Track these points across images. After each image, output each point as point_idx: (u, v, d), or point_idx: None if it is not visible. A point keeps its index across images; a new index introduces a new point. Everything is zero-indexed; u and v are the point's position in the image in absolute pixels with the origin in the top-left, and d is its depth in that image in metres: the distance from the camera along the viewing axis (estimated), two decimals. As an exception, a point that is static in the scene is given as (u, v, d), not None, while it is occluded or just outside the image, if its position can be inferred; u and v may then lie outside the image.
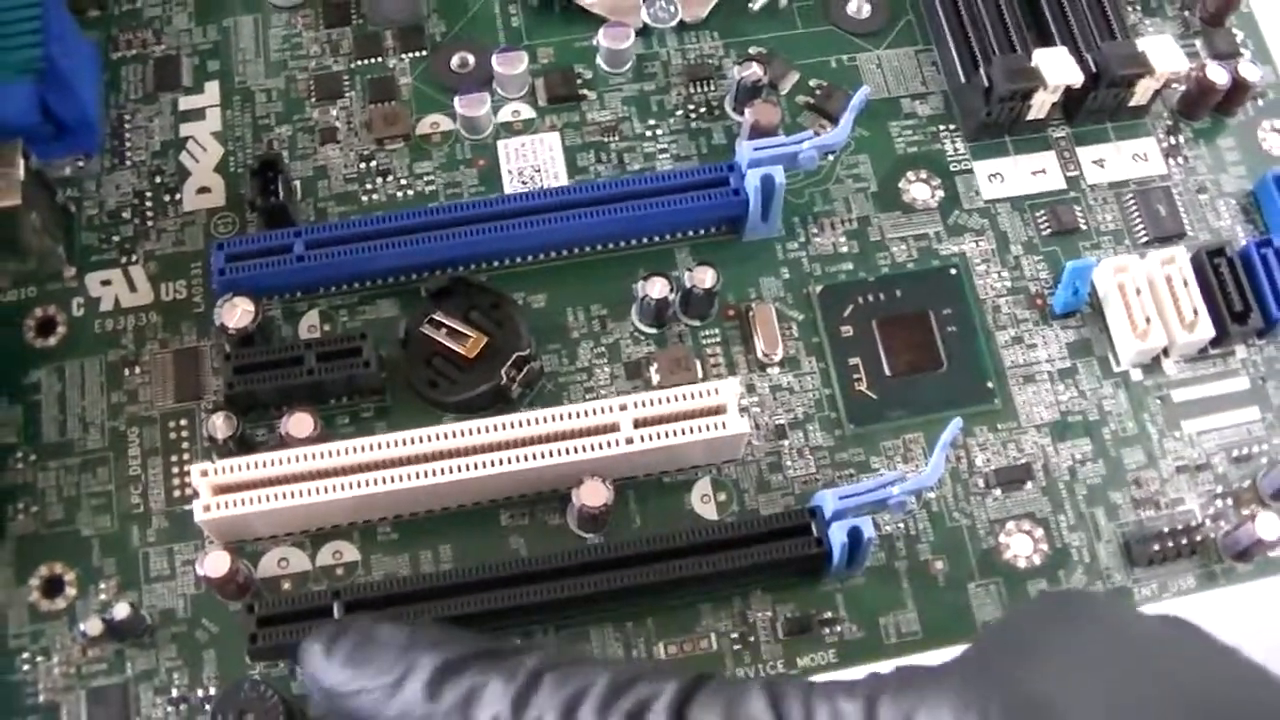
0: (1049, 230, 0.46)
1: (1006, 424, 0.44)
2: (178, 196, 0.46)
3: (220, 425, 0.41)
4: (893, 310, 0.45)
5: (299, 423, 0.41)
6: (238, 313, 0.42)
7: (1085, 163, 0.48)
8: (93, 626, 0.39)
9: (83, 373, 0.43)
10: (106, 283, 0.44)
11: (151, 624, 0.40)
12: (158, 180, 0.46)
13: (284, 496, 0.40)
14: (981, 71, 0.46)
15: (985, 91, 0.45)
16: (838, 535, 0.39)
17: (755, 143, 0.44)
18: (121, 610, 0.39)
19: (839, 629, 0.41)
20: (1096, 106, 0.47)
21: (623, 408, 0.40)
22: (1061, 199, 0.47)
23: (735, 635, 0.41)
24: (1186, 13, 0.50)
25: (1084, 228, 0.47)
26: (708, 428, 0.40)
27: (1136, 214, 0.47)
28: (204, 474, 0.39)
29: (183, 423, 0.43)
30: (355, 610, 0.39)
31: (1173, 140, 0.48)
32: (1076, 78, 0.45)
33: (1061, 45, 0.46)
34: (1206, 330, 0.44)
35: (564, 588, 0.39)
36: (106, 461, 0.42)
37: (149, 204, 0.45)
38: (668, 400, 0.40)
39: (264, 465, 0.40)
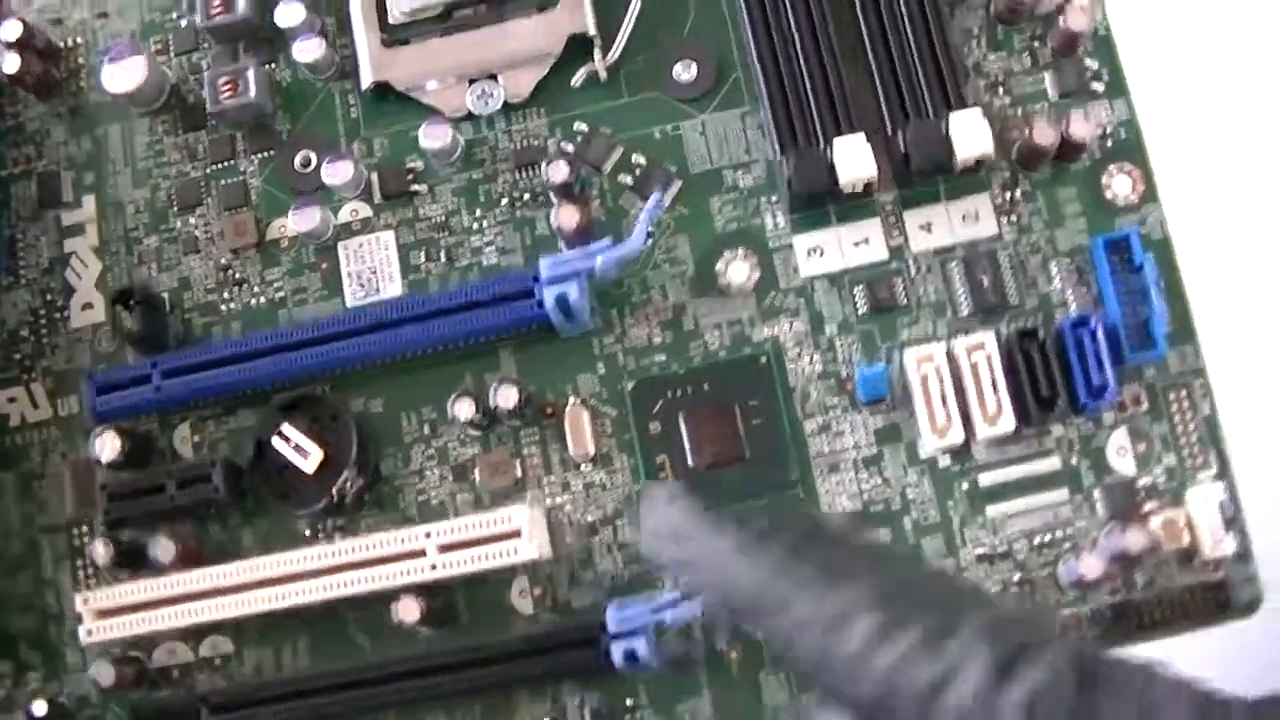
0: (866, 308, 0.46)
1: (809, 514, 0.45)
2: (66, 313, 0.50)
3: (100, 552, 0.47)
4: (699, 403, 0.46)
5: (164, 549, 0.47)
6: (107, 447, 0.47)
7: (911, 228, 0.46)
8: (17, 721, 0.48)
9: (-1, 487, 0.50)
10: (13, 400, 0.50)
11: (70, 710, 0.48)
12: (47, 298, 0.50)
13: (156, 620, 0.46)
14: (781, 161, 0.45)
15: (789, 180, 0.45)
16: (618, 652, 0.43)
17: (551, 259, 0.45)
18: (39, 708, 0.47)
19: (640, 716, 0.45)
20: (918, 171, 0.45)
21: (428, 535, 0.45)
22: (882, 271, 0.46)
23: (550, 719, 0.46)
24: (1036, 43, 0.47)
25: (904, 302, 0.46)
26: (503, 553, 0.44)
27: (960, 284, 0.46)
28: (85, 601, 0.46)
29: (84, 529, 0.49)
30: (221, 711, 0.46)
31: (1009, 195, 0.46)
32: (871, 171, 0.43)
33: (883, 110, 0.45)
34: (1008, 423, 0.44)
35: (393, 693, 0.45)
36: (25, 567, 0.49)
37: (43, 321, 0.50)
38: (467, 528, 0.44)
39: (138, 592, 0.46)
